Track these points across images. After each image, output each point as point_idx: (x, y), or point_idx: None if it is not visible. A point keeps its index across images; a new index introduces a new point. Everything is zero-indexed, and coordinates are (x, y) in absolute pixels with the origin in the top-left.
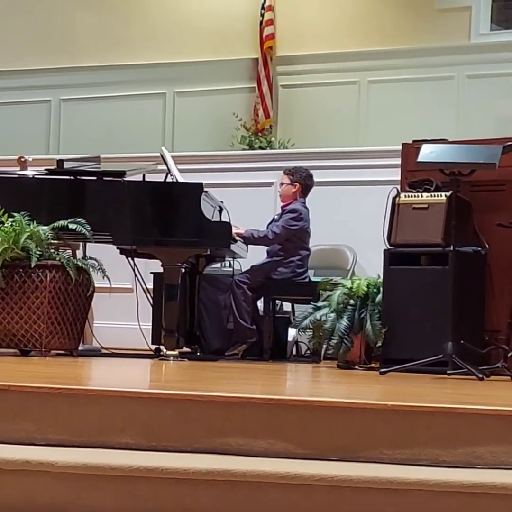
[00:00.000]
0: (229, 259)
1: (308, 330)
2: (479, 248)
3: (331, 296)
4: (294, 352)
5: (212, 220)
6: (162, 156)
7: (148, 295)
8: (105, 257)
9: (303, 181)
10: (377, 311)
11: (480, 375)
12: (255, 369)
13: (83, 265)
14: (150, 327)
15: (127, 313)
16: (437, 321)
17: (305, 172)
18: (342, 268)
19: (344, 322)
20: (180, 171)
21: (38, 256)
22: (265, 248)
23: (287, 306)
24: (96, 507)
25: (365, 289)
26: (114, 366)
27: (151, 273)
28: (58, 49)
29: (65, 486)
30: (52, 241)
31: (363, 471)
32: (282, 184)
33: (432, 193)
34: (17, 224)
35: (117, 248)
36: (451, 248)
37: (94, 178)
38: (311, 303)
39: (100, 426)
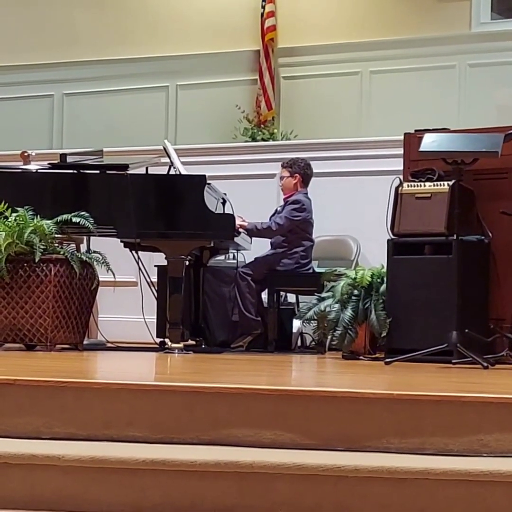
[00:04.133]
0: (233, 251)
1: (312, 321)
2: (483, 237)
3: (335, 286)
4: (299, 343)
5: (216, 212)
6: (165, 149)
7: (153, 288)
8: (109, 250)
9: (302, 171)
10: (381, 301)
11: (485, 364)
12: (260, 361)
13: (87, 259)
14: (155, 320)
15: (131, 307)
16: (441, 310)
17: (303, 162)
18: (346, 259)
19: (349, 312)
20: (183, 163)
21: (42, 250)
22: (269, 240)
23: (291, 298)
24: (102, 500)
25: (369, 279)
26: (119, 359)
27: (155, 266)
28: (60, 43)
29: (72, 480)
30: (56, 235)
31: (369, 461)
32: (282, 177)
33: (435, 182)
34: (21, 219)
35: (121, 241)
36: (455, 237)
37: (97, 171)
38: (315, 294)
39: (106, 419)
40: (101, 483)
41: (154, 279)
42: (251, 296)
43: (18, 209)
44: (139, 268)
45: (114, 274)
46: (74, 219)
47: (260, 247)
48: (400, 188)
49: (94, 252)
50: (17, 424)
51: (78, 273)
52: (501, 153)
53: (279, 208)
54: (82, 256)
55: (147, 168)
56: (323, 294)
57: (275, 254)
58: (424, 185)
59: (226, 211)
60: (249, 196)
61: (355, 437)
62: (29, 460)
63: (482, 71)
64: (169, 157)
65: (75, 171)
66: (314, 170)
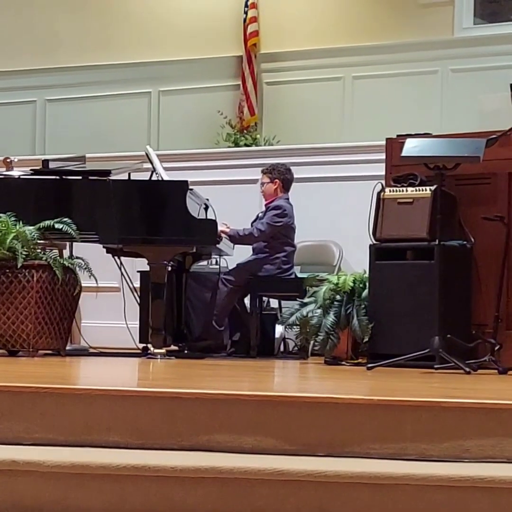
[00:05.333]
0: (216, 256)
1: (295, 327)
2: (465, 242)
3: (317, 292)
4: (281, 348)
5: (198, 217)
6: (147, 154)
7: (135, 293)
8: (91, 256)
9: (282, 176)
10: (363, 306)
11: (467, 369)
12: (242, 366)
13: (69, 265)
14: (138, 325)
15: (114, 312)
16: (423, 316)
17: (282, 167)
18: (328, 264)
19: (331, 318)
20: (166, 169)
21: (24, 256)
22: (251, 246)
23: (274, 303)
24: (83, 506)
25: (351, 284)
26: (101, 365)
27: (138, 271)
28: (42, 49)
29: (52, 486)
30: (39, 241)
31: (350, 466)
32: (262, 183)
33: (417, 188)
34: (3, 225)
35: (104, 247)
36: (437, 242)
37: (80, 177)
38: (298, 299)
39: (87, 425)
40: (82, 488)
41: (137, 284)
42: (227, 305)
43: (0, 215)
44: (122, 274)
45: (96, 280)
46: (56, 225)
47: (243, 253)
48: (382, 193)
49: (77, 257)
50: None
51: (60, 279)
52: (483, 159)
53: (260, 214)
54: (65, 262)
55: (129, 174)
56: (306, 300)
57: (256, 259)
58: (406, 190)
59: (208, 217)
60: (231, 202)
61: (336, 442)
62: (10, 466)
63: (465, 76)
64: (151, 163)
65: (57, 177)
66: (297, 175)
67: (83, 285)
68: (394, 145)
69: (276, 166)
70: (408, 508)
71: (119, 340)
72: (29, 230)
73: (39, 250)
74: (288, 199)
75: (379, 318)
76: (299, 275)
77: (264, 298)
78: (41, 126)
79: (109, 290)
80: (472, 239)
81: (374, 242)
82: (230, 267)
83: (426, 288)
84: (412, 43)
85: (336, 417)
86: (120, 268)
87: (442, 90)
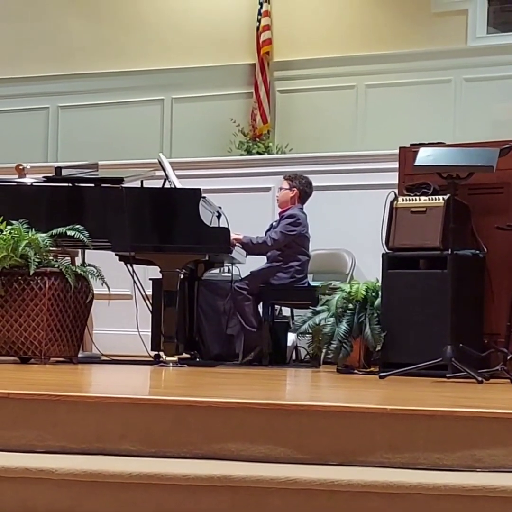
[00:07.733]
0: (228, 264)
1: (307, 335)
2: (478, 251)
3: (330, 300)
4: (293, 357)
5: (211, 225)
6: (160, 162)
7: (147, 301)
8: (104, 264)
9: (301, 187)
10: (376, 315)
11: (480, 378)
12: (254, 374)
13: (82, 272)
14: (150, 333)
15: (126, 320)
16: (436, 325)
17: (304, 179)
18: (341, 273)
19: (343, 326)
20: (178, 177)
21: (37, 263)
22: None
23: (286, 311)
24: None
25: (364, 293)
26: (113, 372)
27: (150, 279)
28: (55, 56)
29: (65, 493)
30: (51, 249)
31: (363, 475)
32: (280, 189)
33: (430, 197)
34: (16, 232)
35: (116, 254)
36: (450, 251)
37: (92, 185)
38: (310, 307)
39: (100, 432)
40: (94, 496)
41: (149, 292)
42: (252, 308)
43: (13, 222)
44: (134, 281)
45: (108, 287)
46: (69, 232)
47: (256, 260)
48: (395, 202)
49: (89, 265)
50: (10, 437)
51: (72, 286)
52: (496, 168)
53: (274, 223)
54: (77, 269)
55: (142, 182)
56: (318, 308)
57: (270, 267)
58: (419, 199)
59: (221, 225)
60: (244, 210)
61: (349, 451)
62: (22, 473)
63: (478, 85)
64: (164, 171)
65: (70, 185)
66: None
67: (95, 292)
68: (407, 154)
69: (299, 176)
70: None
71: (131, 347)
72: (42, 237)
73: (51, 257)
74: (302, 208)
75: (391, 327)
76: (312, 283)
77: (276, 306)
78: (54, 133)
79: (121, 297)
80: (485, 249)
81: (387, 251)
82: (242, 276)
83: (438, 297)
84: (426, 52)
85: (348, 426)
86: (132, 276)
87: (455, 99)
